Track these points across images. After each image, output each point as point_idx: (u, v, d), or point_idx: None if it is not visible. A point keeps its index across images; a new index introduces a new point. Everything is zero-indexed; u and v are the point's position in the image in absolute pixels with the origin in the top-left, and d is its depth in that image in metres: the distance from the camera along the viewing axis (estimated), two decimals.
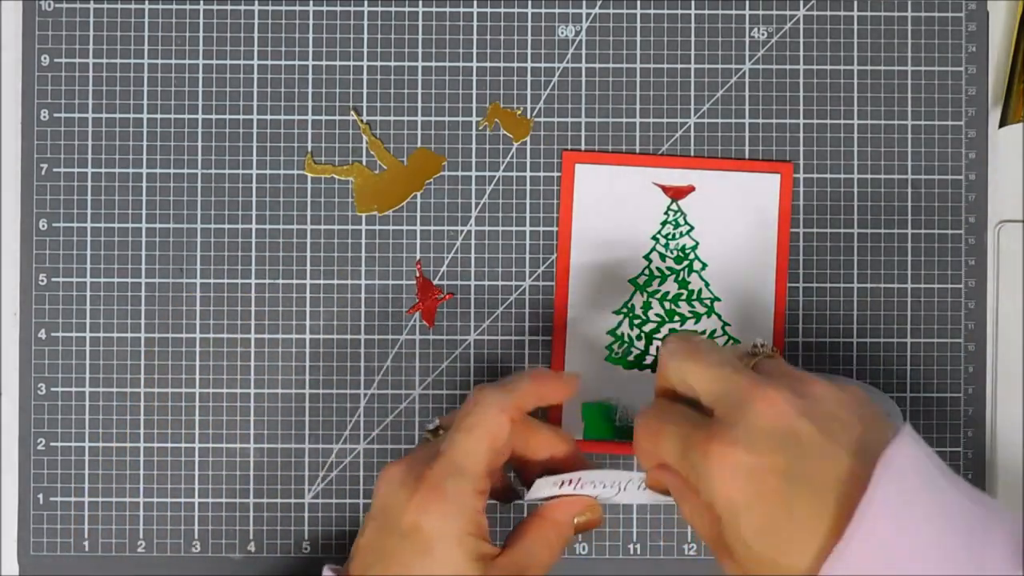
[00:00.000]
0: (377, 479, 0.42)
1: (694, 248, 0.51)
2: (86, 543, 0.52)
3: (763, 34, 0.53)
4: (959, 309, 0.53)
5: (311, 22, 0.53)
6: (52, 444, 0.52)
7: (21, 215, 0.52)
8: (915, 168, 0.53)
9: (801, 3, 0.53)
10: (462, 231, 0.53)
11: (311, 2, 0.53)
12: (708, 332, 0.51)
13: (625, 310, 0.51)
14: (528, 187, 0.52)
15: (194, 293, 0.52)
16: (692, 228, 0.51)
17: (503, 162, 0.53)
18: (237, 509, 0.52)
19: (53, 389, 0.52)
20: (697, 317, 0.51)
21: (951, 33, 0.53)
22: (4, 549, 0.52)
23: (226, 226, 0.52)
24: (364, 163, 0.53)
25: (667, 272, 0.51)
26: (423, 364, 0.52)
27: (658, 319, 0.51)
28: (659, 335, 0.51)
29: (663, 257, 0.51)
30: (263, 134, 0.53)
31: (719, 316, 0.51)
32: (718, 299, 0.51)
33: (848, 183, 0.53)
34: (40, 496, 0.52)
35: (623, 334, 0.51)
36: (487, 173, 0.53)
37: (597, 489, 0.43)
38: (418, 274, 0.52)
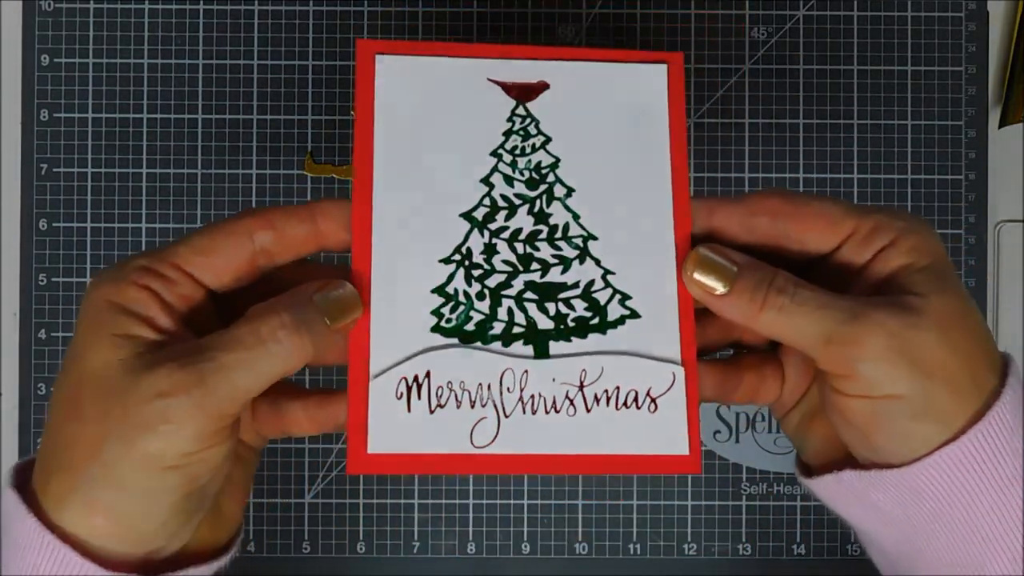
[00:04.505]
0: None
1: (553, 167, 0.36)
2: None
3: (763, 34, 0.53)
4: None
5: (311, 22, 0.53)
6: None
7: (21, 215, 0.52)
8: (915, 168, 0.53)
9: (801, 3, 0.53)
10: None
11: (311, 2, 0.53)
12: (583, 285, 0.35)
13: (458, 257, 0.35)
14: None
15: None
16: (549, 140, 0.36)
17: None
18: None
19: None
20: (565, 263, 0.35)
21: (951, 33, 0.53)
22: None
23: None
24: None
25: (517, 201, 0.36)
26: None
27: (508, 268, 0.35)
28: (509, 291, 0.35)
29: (510, 181, 0.36)
30: (263, 134, 0.53)
31: (596, 261, 0.35)
32: (593, 237, 0.36)
33: (848, 183, 0.53)
34: None
35: (457, 291, 0.35)
36: None
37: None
38: None
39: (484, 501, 0.52)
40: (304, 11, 0.53)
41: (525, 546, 0.52)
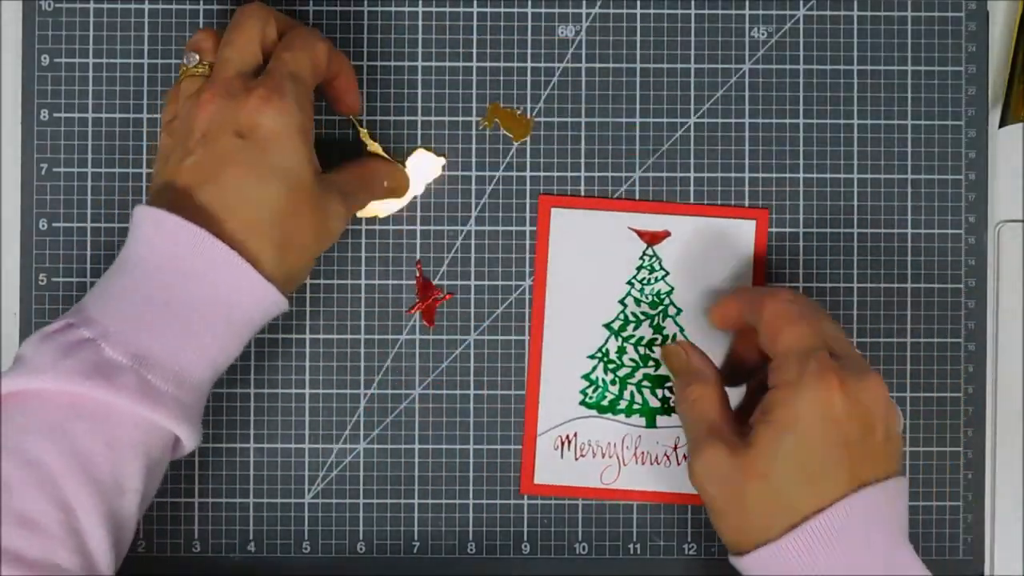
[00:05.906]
0: (199, 107, 0.43)
1: (669, 293, 0.52)
2: None
3: (763, 34, 0.53)
4: (959, 309, 0.53)
5: (311, 22, 0.53)
6: None
7: (21, 215, 0.52)
8: (915, 168, 0.53)
9: (801, 3, 0.53)
10: (462, 231, 0.53)
11: (311, 2, 0.53)
12: None
13: (599, 355, 0.52)
14: (528, 187, 0.52)
15: None
16: (667, 273, 0.52)
17: (503, 162, 0.53)
18: (237, 509, 0.52)
19: None
20: None
21: (951, 33, 0.53)
22: None
23: None
24: None
25: (642, 317, 0.52)
26: (423, 364, 0.52)
27: (632, 364, 0.52)
28: (632, 380, 0.52)
29: (638, 302, 0.52)
30: None
31: None
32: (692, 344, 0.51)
33: (848, 183, 0.53)
34: None
35: (597, 379, 0.52)
36: (487, 173, 0.53)
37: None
38: (418, 274, 0.52)
39: (484, 501, 0.52)
40: (304, 11, 0.53)
41: (525, 546, 0.52)
